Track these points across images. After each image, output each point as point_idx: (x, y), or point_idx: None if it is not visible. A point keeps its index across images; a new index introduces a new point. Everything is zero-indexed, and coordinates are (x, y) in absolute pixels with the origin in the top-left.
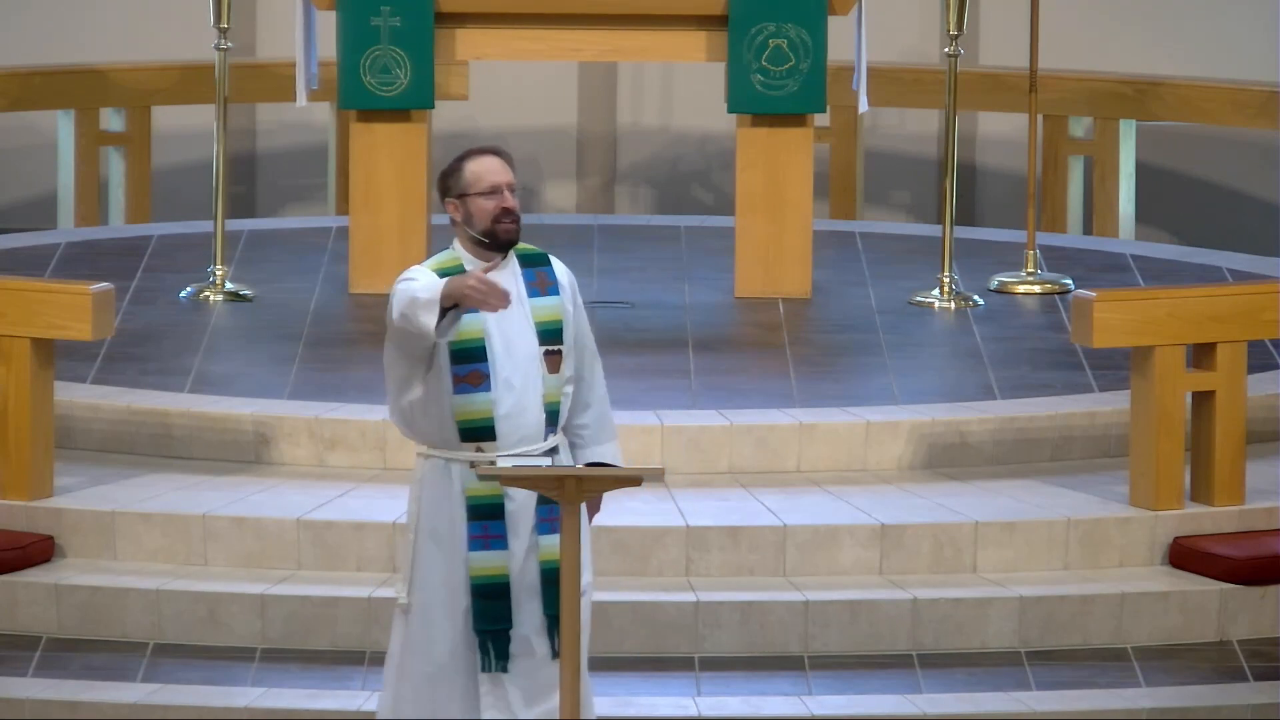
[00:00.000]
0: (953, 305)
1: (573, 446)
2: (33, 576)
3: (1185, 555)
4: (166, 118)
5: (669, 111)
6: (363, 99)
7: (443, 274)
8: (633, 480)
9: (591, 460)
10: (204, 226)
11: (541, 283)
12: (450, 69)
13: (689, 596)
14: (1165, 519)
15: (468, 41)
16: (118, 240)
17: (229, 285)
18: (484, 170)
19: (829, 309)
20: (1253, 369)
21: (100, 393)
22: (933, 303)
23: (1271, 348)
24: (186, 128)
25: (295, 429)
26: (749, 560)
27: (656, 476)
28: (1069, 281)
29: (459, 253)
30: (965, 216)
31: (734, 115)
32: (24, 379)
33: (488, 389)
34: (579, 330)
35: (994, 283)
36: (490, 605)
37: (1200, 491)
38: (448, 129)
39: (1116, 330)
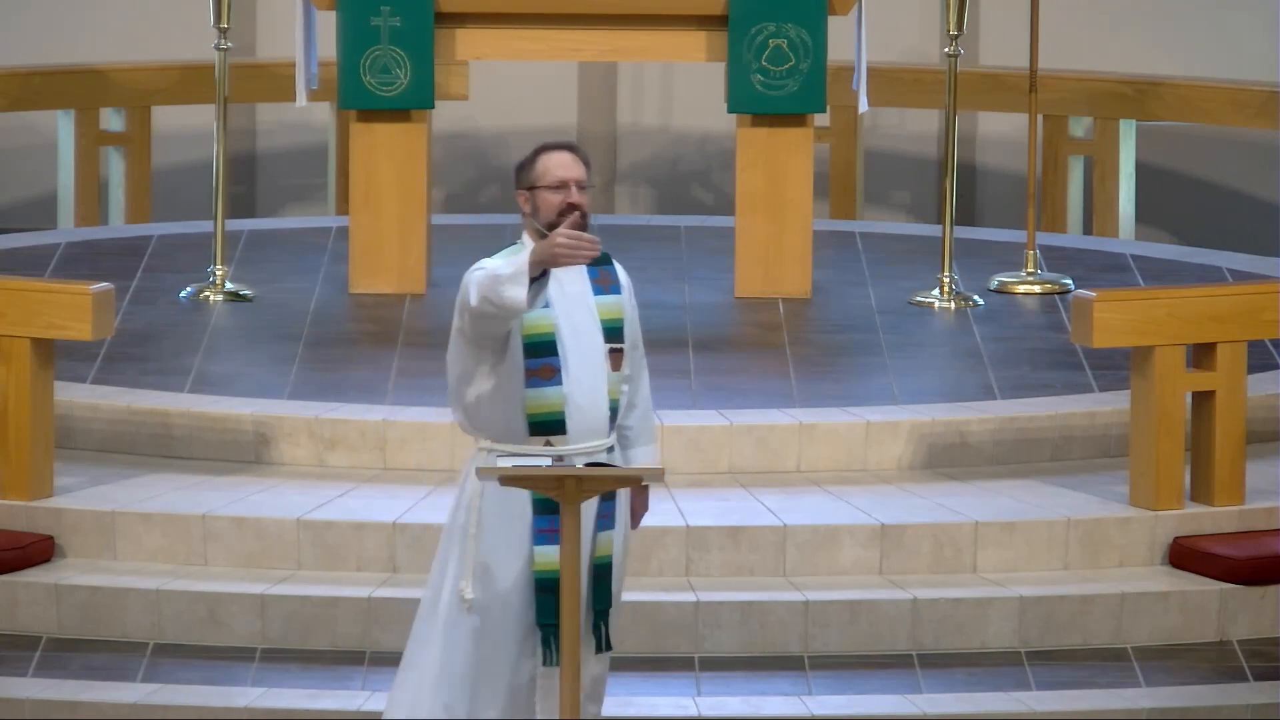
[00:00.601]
0: (953, 305)
1: (620, 440)
2: (33, 576)
3: (1185, 555)
4: (166, 118)
5: (669, 111)
6: (363, 99)
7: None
8: (633, 480)
9: (636, 464)
10: (204, 226)
11: (605, 280)
12: (450, 69)
13: (689, 596)
14: (1165, 519)
15: (468, 41)
16: (118, 240)
17: (229, 285)
18: (554, 164)
19: (829, 309)
20: (1253, 369)
21: (100, 393)
22: (933, 303)
23: (1271, 348)
24: (186, 128)
25: (295, 429)
26: (749, 560)
27: (656, 477)
28: (1069, 281)
29: (526, 245)
30: (965, 216)
31: (734, 115)
32: (24, 379)
33: (559, 382)
34: (634, 330)
35: (994, 283)
36: (549, 599)
37: (1200, 491)
38: (448, 129)
39: (1116, 330)
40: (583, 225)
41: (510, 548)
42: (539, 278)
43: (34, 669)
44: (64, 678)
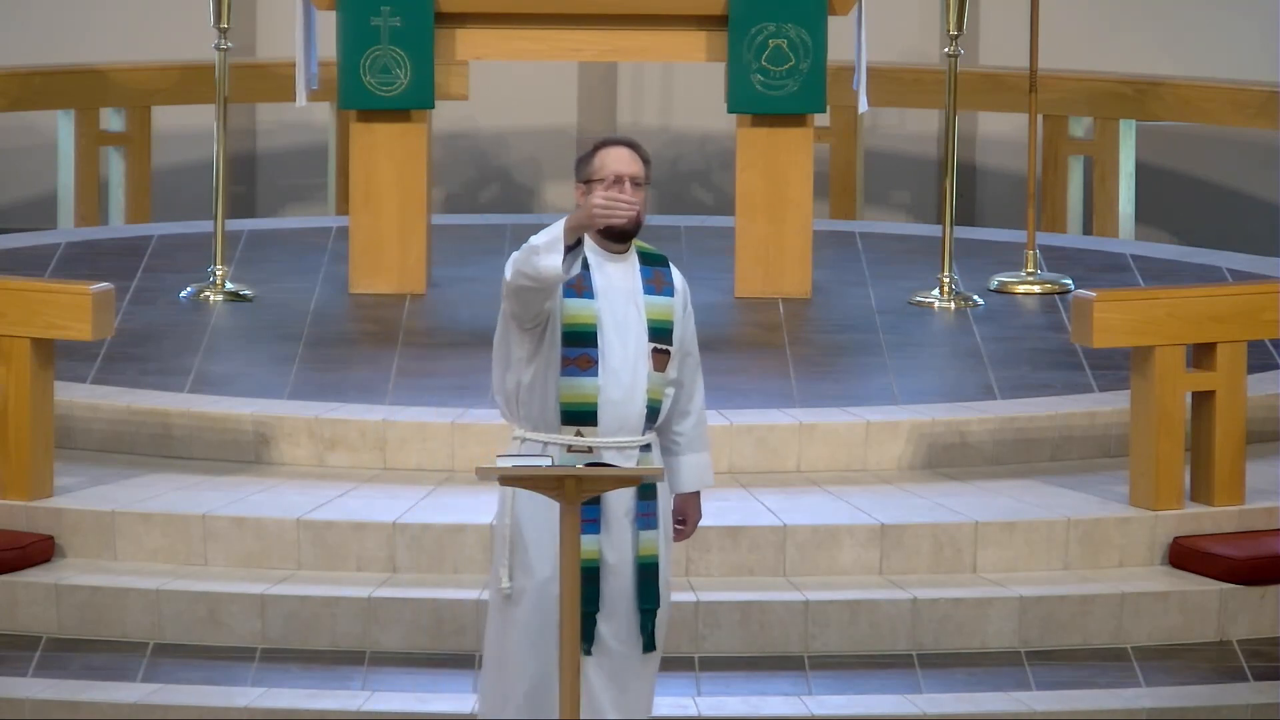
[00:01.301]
0: (953, 305)
1: (666, 452)
2: (33, 576)
3: (1185, 555)
4: (166, 118)
5: (669, 111)
6: (363, 99)
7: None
8: (633, 480)
9: (681, 470)
10: (204, 226)
11: (658, 282)
12: (450, 69)
13: (689, 596)
14: (1165, 519)
15: (468, 41)
16: (118, 240)
17: (229, 285)
18: (610, 159)
19: (829, 309)
20: (1253, 369)
21: (100, 393)
22: (933, 303)
23: (1271, 348)
24: (186, 128)
25: (295, 429)
26: (749, 560)
27: (656, 476)
28: (1069, 281)
29: (598, 234)
30: (965, 216)
31: (734, 115)
32: (24, 379)
33: (595, 374)
34: (686, 337)
35: (994, 283)
36: (592, 588)
37: (1200, 491)
38: (448, 129)
39: (1116, 330)
40: (637, 223)
41: (547, 538)
42: (574, 246)
43: (34, 669)
44: (64, 678)
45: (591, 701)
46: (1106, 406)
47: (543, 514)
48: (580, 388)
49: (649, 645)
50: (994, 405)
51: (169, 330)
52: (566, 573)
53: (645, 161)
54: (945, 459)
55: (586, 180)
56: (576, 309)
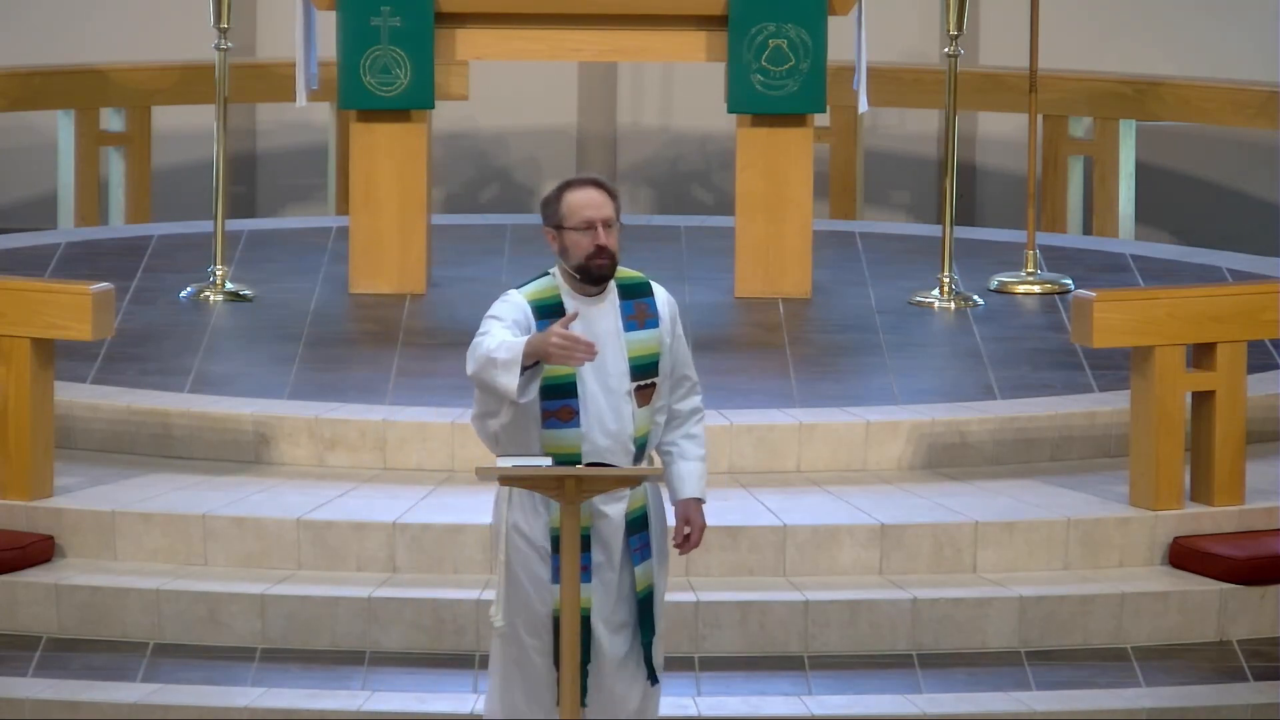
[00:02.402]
0: (953, 305)
1: (665, 462)
2: (33, 576)
3: (1185, 555)
4: (166, 118)
5: (669, 111)
6: (363, 99)
7: (538, 306)
8: (632, 480)
9: (681, 477)
10: (204, 226)
11: (640, 315)
12: (450, 69)
13: (689, 596)
14: (1165, 519)
15: (468, 41)
16: (118, 240)
17: (229, 285)
18: (580, 203)
19: (829, 309)
20: (1253, 369)
21: (100, 393)
22: (933, 303)
23: (1271, 348)
24: (186, 128)
25: (295, 429)
26: (749, 560)
27: (656, 476)
28: (1069, 281)
29: (558, 281)
30: (965, 216)
31: (734, 115)
32: (24, 379)
33: (577, 424)
34: (676, 359)
35: (994, 283)
36: (583, 639)
37: (1200, 491)
38: (448, 129)
39: (1116, 330)
40: (608, 265)
41: (534, 586)
42: (532, 366)
43: (34, 669)
44: (64, 678)
45: None
46: (1106, 406)
47: (532, 561)
48: (563, 439)
49: (653, 677)
50: (994, 405)
51: (169, 330)
52: (567, 579)
53: (614, 197)
54: (945, 459)
55: (557, 225)
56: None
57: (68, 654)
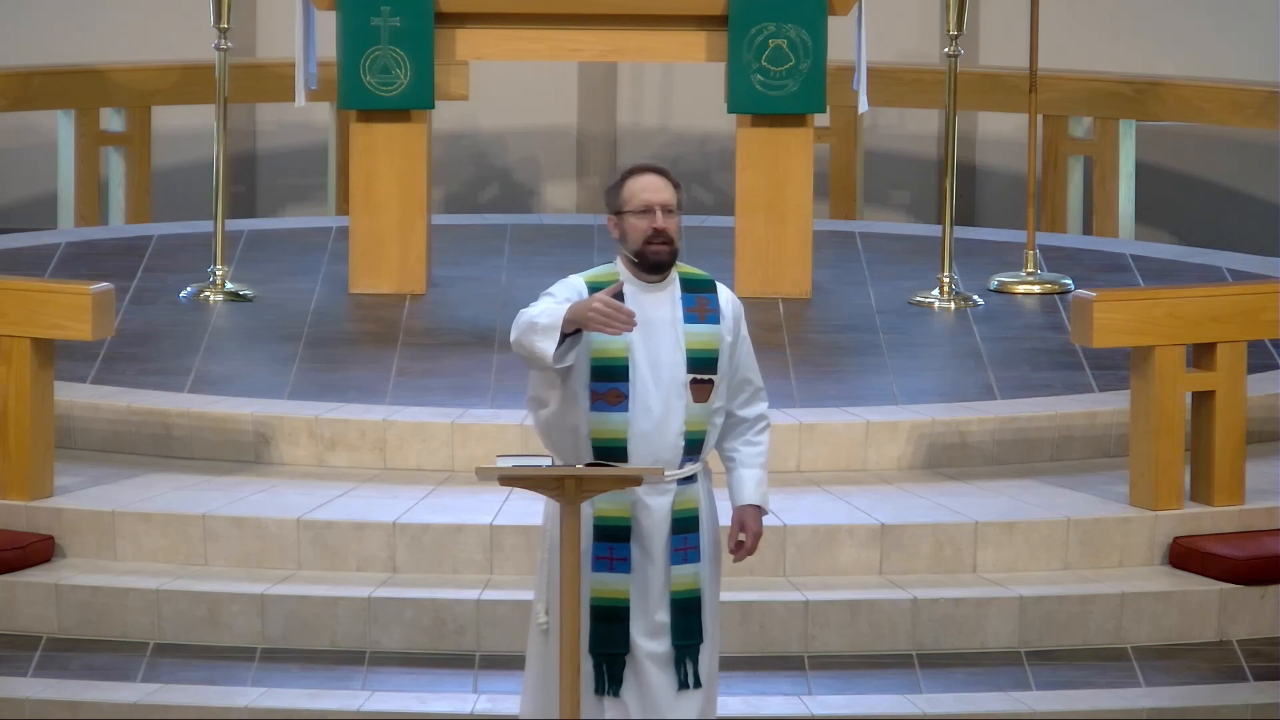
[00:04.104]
0: (953, 305)
1: (726, 467)
2: (33, 576)
3: (1185, 555)
4: (166, 118)
5: (669, 111)
6: (363, 99)
7: (596, 287)
8: (633, 480)
9: (740, 483)
10: (204, 226)
11: (701, 309)
12: (450, 69)
13: None
14: (1165, 519)
15: (468, 41)
16: (118, 240)
17: (229, 285)
18: (640, 188)
19: (829, 309)
20: (1253, 369)
21: (100, 393)
22: (933, 303)
23: (1271, 348)
24: (186, 128)
25: (295, 429)
26: (749, 560)
27: (656, 476)
28: (1069, 281)
29: (619, 267)
30: (965, 216)
31: (734, 115)
32: (24, 379)
33: (625, 409)
34: (739, 362)
35: (994, 283)
36: (608, 628)
37: (1200, 491)
38: (448, 129)
39: (1116, 330)
40: (666, 250)
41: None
42: (574, 333)
43: (34, 669)
44: (64, 678)
45: None
46: (1106, 406)
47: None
48: (609, 423)
49: (683, 683)
50: (994, 405)
51: (169, 330)
52: (567, 575)
53: (676, 186)
54: (945, 459)
55: (617, 210)
56: (607, 342)
57: (68, 654)
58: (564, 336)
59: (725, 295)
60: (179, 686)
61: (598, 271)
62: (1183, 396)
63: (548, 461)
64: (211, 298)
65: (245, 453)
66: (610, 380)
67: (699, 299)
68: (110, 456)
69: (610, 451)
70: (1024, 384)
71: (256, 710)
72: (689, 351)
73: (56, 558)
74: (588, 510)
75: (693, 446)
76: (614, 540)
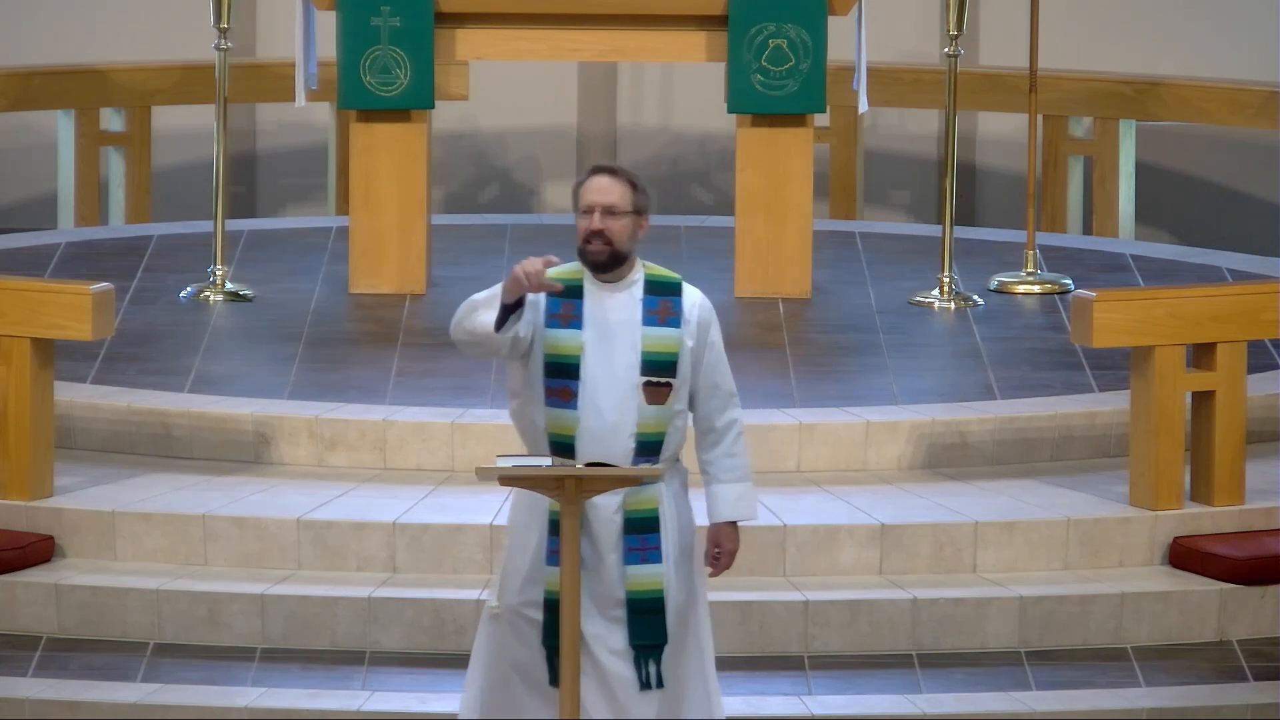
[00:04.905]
0: (953, 305)
1: (703, 476)
2: (33, 576)
3: (1185, 555)
4: (166, 118)
5: (669, 111)
6: (363, 99)
7: (561, 280)
8: (632, 480)
9: (715, 498)
10: (204, 226)
11: (663, 312)
12: (450, 69)
13: None
14: (1165, 519)
15: (468, 41)
16: (118, 240)
17: (229, 285)
18: (588, 188)
19: (829, 309)
20: (1253, 369)
21: (100, 393)
22: (933, 303)
23: (1271, 348)
24: (186, 128)
25: (295, 429)
26: (749, 560)
27: (656, 476)
28: (1069, 281)
29: (582, 264)
30: (965, 216)
31: (734, 115)
32: (24, 379)
33: (574, 406)
34: (707, 367)
35: (994, 283)
36: (559, 621)
37: (1200, 491)
38: (448, 129)
39: (1116, 330)
40: (601, 250)
41: (527, 566)
42: (517, 306)
43: (34, 669)
44: (64, 678)
45: None
46: (1106, 406)
47: (528, 543)
48: (560, 419)
49: (645, 683)
50: (994, 405)
51: (169, 330)
52: (567, 575)
53: (633, 187)
54: (945, 459)
55: (575, 210)
56: (560, 339)
57: (68, 654)
58: (508, 311)
59: (692, 299)
60: (179, 686)
61: (563, 269)
62: (1183, 396)
63: (548, 461)
64: (211, 298)
65: (245, 453)
66: (562, 377)
67: (662, 302)
68: (110, 456)
69: (562, 447)
70: (1024, 384)
71: (256, 710)
72: (644, 354)
73: (56, 558)
74: (545, 505)
75: (646, 448)
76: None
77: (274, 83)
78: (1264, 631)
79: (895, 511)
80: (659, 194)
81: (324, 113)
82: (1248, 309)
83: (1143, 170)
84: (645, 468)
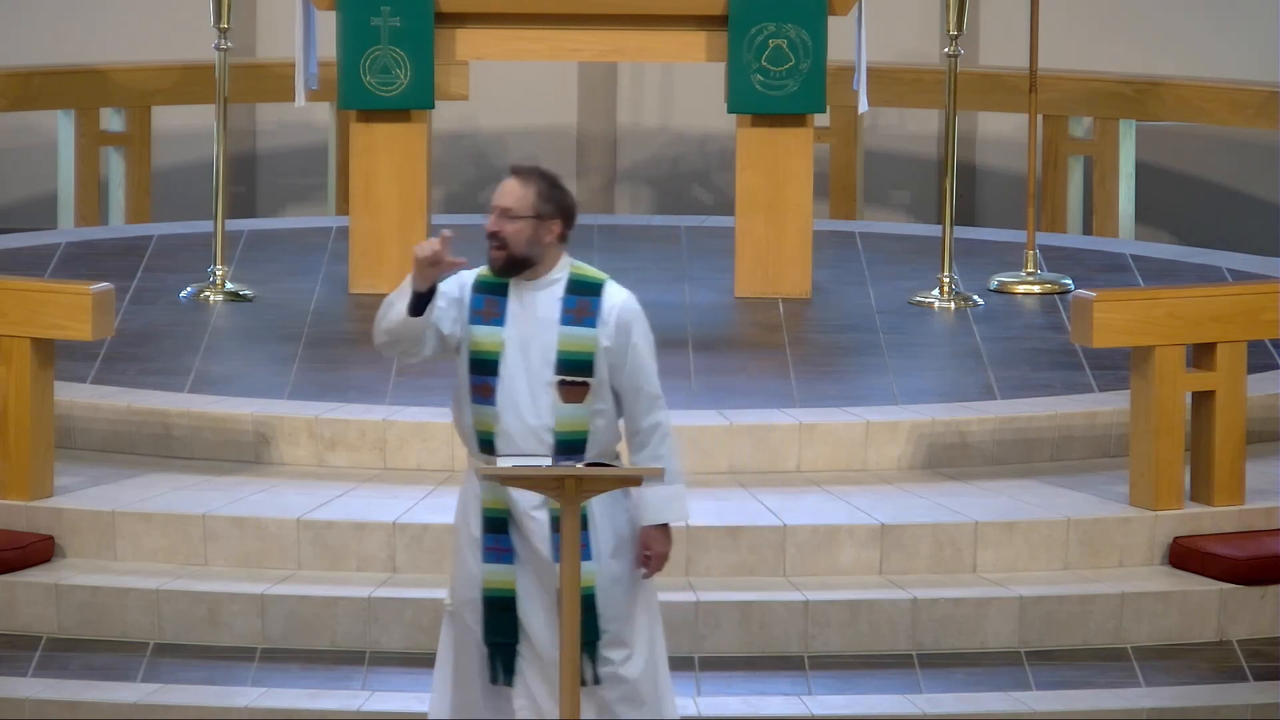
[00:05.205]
0: (953, 305)
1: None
2: (33, 576)
3: (1185, 555)
4: (166, 118)
5: (669, 111)
6: (363, 99)
7: (480, 281)
8: (632, 480)
9: (642, 503)
10: (204, 226)
11: (580, 311)
12: (450, 69)
13: (689, 596)
14: (1165, 519)
15: (468, 41)
16: (118, 240)
17: (229, 285)
18: (497, 189)
19: (829, 309)
20: (1253, 369)
21: (100, 393)
22: (933, 303)
23: (1271, 348)
24: (186, 128)
25: (295, 429)
26: (749, 560)
27: (656, 476)
28: (1069, 281)
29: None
30: (965, 216)
31: (734, 115)
32: (24, 379)
33: (494, 403)
34: (629, 369)
35: (994, 283)
36: (499, 618)
37: (1200, 491)
38: (448, 129)
39: (1116, 330)
40: (497, 254)
41: (468, 564)
42: (430, 295)
43: (34, 669)
44: (64, 678)
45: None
46: (1106, 406)
47: (468, 539)
48: (482, 416)
49: (582, 679)
50: (994, 405)
51: (169, 330)
52: (567, 574)
53: (543, 191)
54: (945, 459)
55: None
56: (482, 336)
57: (68, 654)
58: (423, 300)
59: (614, 300)
60: (179, 686)
61: (482, 268)
62: (1183, 396)
63: (548, 461)
64: (211, 298)
65: (245, 453)
66: (483, 374)
67: (580, 301)
68: (110, 456)
69: (485, 443)
70: (1024, 384)
71: (256, 710)
72: (560, 352)
73: (56, 558)
74: (478, 502)
75: (567, 447)
76: (497, 531)
77: (274, 83)
78: (1264, 631)
79: (895, 511)
80: (659, 194)
81: (324, 113)
82: (1248, 309)
83: (1143, 170)
84: (645, 468)
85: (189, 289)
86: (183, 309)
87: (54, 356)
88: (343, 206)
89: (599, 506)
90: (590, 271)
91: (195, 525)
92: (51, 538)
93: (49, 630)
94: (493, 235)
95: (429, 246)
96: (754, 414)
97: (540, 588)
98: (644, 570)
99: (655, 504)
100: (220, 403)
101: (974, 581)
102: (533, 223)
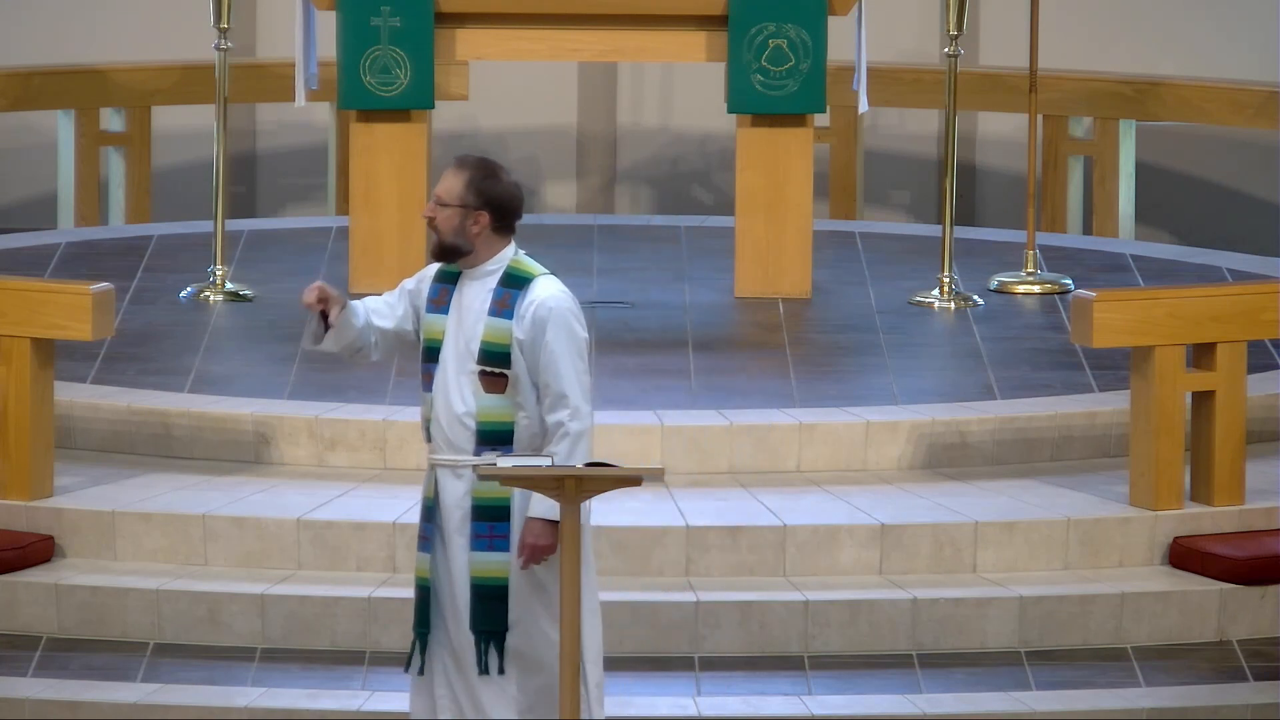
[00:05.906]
0: (953, 305)
1: None
2: (33, 576)
3: (1185, 555)
4: (166, 118)
5: (669, 111)
6: (363, 99)
7: (441, 273)
8: (633, 480)
9: (530, 498)
10: (204, 226)
11: (502, 303)
12: (450, 69)
13: (689, 596)
14: (1165, 519)
15: (468, 41)
16: (118, 240)
17: (229, 285)
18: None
19: (829, 309)
20: (1253, 369)
21: (100, 393)
22: (933, 303)
23: (1271, 348)
24: (186, 128)
25: (295, 429)
26: (749, 560)
27: (656, 476)
28: (1069, 281)
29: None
30: (965, 216)
31: (734, 115)
32: (24, 379)
33: (431, 390)
34: (543, 365)
35: (994, 283)
36: (421, 606)
37: (1200, 491)
38: (448, 129)
39: (1116, 330)
40: (441, 242)
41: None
42: (326, 321)
43: (34, 669)
44: (64, 678)
45: (417, 707)
46: (1106, 406)
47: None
48: (425, 404)
49: (483, 669)
50: (994, 405)
51: (169, 330)
52: (568, 571)
53: (467, 181)
54: (945, 459)
55: None
56: (430, 324)
57: (68, 654)
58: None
59: (537, 296)
60: (179, 686)
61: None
62: (1183, 396)
63: (548, 461)
64: (211, 298)
65: (245, 453)
66: (428, 361)
67: (505, 293)
68: (110, 456)
69: (427, 431)
70: (1024, 384)
71: (256, 710)
72: (482, 343)
73: (56, 558)
74: (420, 490)
75: (491, 438)
76: (425, 520)
77: (274, 83)
78: (1264, 631)
79: (895, 511)
80: (659, 194)
81: (324, 113)
82: (1248, 309)
83: (1143, 170)
84: (646, 467)
85: (189, 289)
86: (183, 309)
87: (54, 356)
88: (343, 206)
89: (520, 501)
90: (527, 265)
91: (195, 525)
92: (51, 538)
93: (49, 630)
94: (429, 220)
95: (311, 294)
96: (754, 414)
97: (448, 577)
98: (520, 559)
99: (538, 497)
100: (220, 403)
101: (974, 581)
102: (459, 211)
